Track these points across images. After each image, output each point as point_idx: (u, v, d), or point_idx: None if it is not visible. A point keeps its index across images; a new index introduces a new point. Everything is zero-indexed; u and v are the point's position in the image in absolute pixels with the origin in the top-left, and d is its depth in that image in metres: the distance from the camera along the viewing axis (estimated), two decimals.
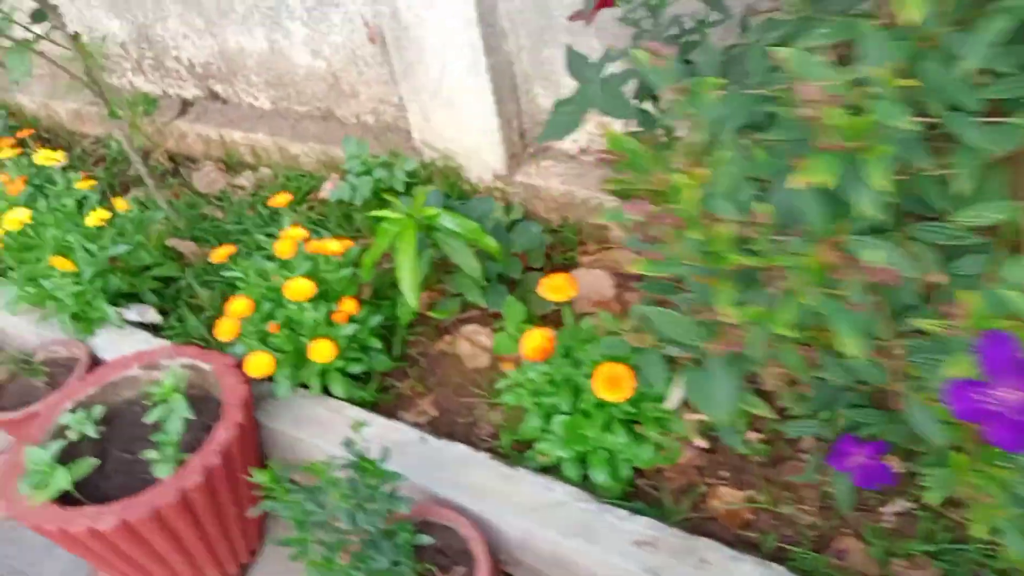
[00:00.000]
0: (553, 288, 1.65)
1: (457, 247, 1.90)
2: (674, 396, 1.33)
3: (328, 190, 2.61)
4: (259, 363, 1.76)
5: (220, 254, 1.92)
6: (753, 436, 1.74)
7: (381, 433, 1.81)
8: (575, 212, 2.39)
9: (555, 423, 1.67)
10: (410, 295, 1.82)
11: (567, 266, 2.34)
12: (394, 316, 2.16)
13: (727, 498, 1.67)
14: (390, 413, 1.99)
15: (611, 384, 1.51)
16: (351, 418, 1.87)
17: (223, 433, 1.66)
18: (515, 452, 1.81)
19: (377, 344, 2.00)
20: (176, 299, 2.45)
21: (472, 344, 2.12)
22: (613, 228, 2.37)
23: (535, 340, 1.60)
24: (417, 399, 2.04)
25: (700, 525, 1.64)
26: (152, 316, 2.35)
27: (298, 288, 1.83)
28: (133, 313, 2.34)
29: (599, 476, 1.66)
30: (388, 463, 1.47)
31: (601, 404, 1.68)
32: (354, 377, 2.00)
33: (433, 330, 2.20)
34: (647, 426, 1.64)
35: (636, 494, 1.71)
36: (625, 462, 1.68)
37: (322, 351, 1.80)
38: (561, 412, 1.68)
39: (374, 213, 1.95)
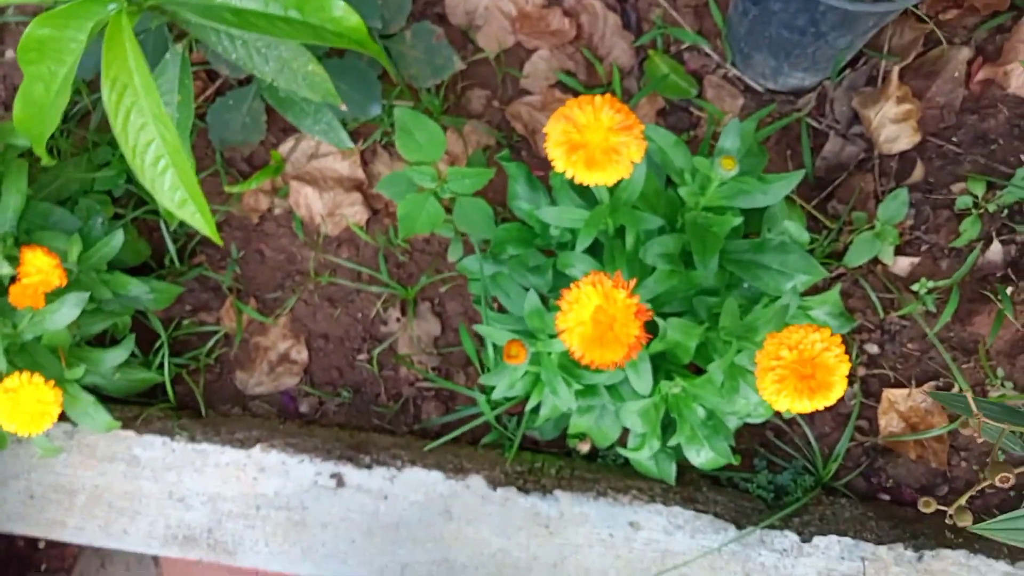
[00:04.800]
0: (583, 158, 0.61)
1: (279, 55, 0.73)
2: None
3: None
4: None
5: None
6: None
7: (231, 486, 0.85)
8: None
9: (627, 409, 0.79)
10: (193, 214, 0.70)
11: None
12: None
13: (903, 408, 0.95)
14: (217, 391, 0.99)
15: (808, 382, 0.63)
16: (141, 460, 0.87)
17: None
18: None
19: (133, 285, 0.89)
20: None
21: (321, 189, 1.05)
22: None
23: (587, 311, 0.63)
24: (257, 337, 1.02)
25: (881, 474, 0.94)
26: None
27: None
28: None
29: (697, 455, 0.85)
30: None
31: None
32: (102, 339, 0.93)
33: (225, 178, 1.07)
34: None
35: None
36: (731, 415, 0.88)
37: (23, 411, 0.71)
38: (638, 395, 0.79)
39: None
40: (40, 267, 0.75)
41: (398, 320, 1.03)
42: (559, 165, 0.66)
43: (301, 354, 1.02)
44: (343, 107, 0.80)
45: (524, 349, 0.72)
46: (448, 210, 0.95)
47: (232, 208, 1.06)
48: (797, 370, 0.64)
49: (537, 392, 0.79)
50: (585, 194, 0.85)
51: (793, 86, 1.10)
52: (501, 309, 0.90)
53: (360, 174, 1.08)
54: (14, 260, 0.78)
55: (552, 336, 0.75)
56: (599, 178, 0.66)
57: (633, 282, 0.65)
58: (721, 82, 1.12)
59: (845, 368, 0.65)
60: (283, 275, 1.06)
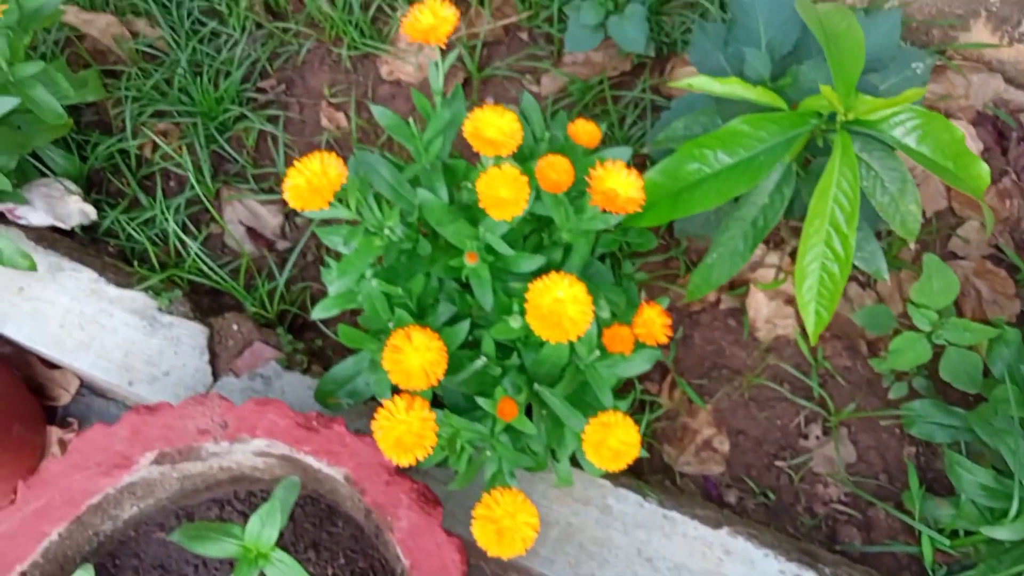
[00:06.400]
0: None
1: (893, 191, 0.81)
2: None
3: None
4: (496, 529, 0.72)
5: None
6: None
7: (696, 560, 0.89)
8: None
9: None
10: (810, 314, 0.77)
11: None
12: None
13: None
14: (651, 462, 1.05)
15: None
16: (613, 511, 0.92)
17: None
18: None
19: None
20: (109, 161, 1.19)
21: (770, 298, 1.12)
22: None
23: None
24: (685, 417, 1.08)
25: None
26: (78, 210, 1.12)
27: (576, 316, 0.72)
28: (37, 209, 1.10)
29: None
30: None
31: None
32: None
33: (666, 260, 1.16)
34: None
35: None
36: None
37: (608, 447, 0.77)
38: None
39: (683, 83, 0.78)
40: (647, 320, 0.82)
41: (817, 438, 1.08)
42: None
43: (723, 445, 1.07)
44: (912, 246, 0.88)
45: None
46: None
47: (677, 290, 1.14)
48: None
49: None
50: None
51: None
52: (970, 456, 0.94)
53: (791, 290, 1.15)
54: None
55: None
56: None
57: None
58: None
59: None
60: (709, 365, 1.12)
